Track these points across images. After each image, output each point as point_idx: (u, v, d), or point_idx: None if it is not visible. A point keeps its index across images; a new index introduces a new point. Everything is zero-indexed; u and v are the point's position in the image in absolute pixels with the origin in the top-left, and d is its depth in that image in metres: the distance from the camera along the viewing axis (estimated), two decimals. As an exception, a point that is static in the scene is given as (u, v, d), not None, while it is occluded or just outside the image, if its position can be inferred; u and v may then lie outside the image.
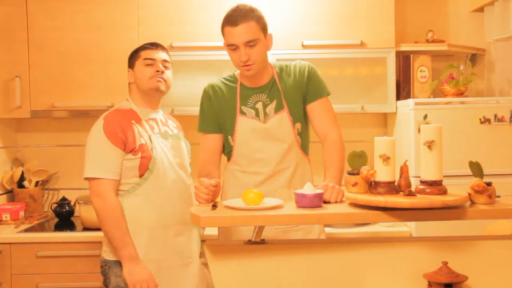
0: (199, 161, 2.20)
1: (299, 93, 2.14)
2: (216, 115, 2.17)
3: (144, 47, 2.23)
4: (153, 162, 2.10)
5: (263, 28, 2.05)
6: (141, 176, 2.10)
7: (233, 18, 2.00)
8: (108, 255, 2.14)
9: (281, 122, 2.11)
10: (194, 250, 2.19)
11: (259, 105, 2.13)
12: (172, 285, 2.13)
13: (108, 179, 2.05)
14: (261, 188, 2.00)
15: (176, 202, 2.15)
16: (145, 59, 2.19)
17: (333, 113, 2.17)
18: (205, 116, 2.19)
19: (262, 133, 2.11)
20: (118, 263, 2.09)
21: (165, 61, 2.22)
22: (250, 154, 2.13)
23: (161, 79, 2.18)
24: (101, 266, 2.18)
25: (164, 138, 2.18)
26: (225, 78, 2.22)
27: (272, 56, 2.97)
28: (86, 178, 2.09)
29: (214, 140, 2.19)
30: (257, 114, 2.12)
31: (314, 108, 2.14)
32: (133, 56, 2.25)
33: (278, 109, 2.12)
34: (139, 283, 2.01)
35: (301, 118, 2.16)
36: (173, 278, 2.14)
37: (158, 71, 2.18)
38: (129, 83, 2.26)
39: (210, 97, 2.18)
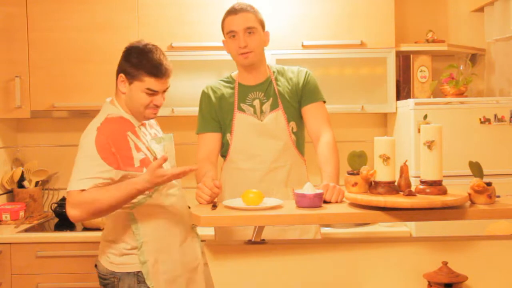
0: (196, 160, 2.19)
1: (294, 96, 2.18)
2: (216, 114, 2.20)
3: (151, 72, 1.90)
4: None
5: (261, 22, 2.15)
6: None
7: (234, 9, 2.13)
8: (115, 267, 1.98)
9: (277, 120, 2.15)
10: (198, 252, 2.15)
11: (257, 102, 2.17)
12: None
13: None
14: (258, 187, 1.98)
15: (184, 208, 2.09)
16: (148, 89, 1.92)
17: (327, 116, 2.20)
18: (204, 116, 2.22)
19: (259, 130, 2.15)
20: (131, 275, 1.96)
21: (166, 90, 1.99)
22: (247, 149, 2.16)
23: (156, 112, 2.00)
24: (103, 279, 2.01)
25: (158, 143, 2.07)
26: (222, 80, 2.27)
27: (272, 56, 2.97)
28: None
29: (212, 139, 2.20)
30: (254, 111, 2.17)
31: (308, 110, 2.18)
32: (135, 69, 1.94)
33: (273, 107, 2.17)
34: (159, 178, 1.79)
35: (296, 118, 2.19)
36: (186, 285, 2.08)
37: (156, 104, 1.96)
38: (119, 89, 2.01)
39: (209, 96, 2.21)
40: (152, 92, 1.93)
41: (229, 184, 2.17)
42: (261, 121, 2.15)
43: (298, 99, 2.18)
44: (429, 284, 1.58)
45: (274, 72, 2.23)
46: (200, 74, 3.01)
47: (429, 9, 3.34)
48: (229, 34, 2.12)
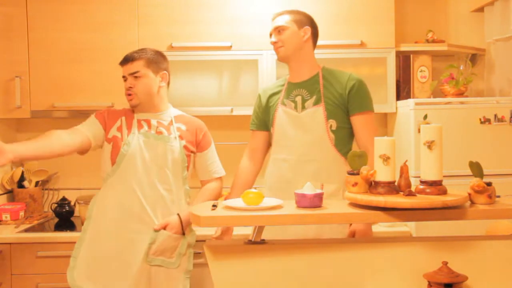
0: (240, 162, 2.42)
1: (339, 97, 2.23)
2: (262, 113, 2.38)
3: (120, 63, 2.30)
4: (120, 156, 2.20)
5: (297, 21, 2.28)
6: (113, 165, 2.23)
7: (275, 13, 2.33)
8: None
9: (315, 115, 2.23)
10: (140, 252, 2.17)
11: (298, 99, 2.27)
12: (110, 278, 2.17)
13: (82, 130, 2.24)
14: (287, 177, 2.21)
15: (136, 200, 2.18)
16: (122, 76, 2.30)
17: (371, 130, 2.22)
18: (254, 114, 2.44)
19: (294, 122, 2.25)
20: None
21: (133, 73, 2.25)
22: (281, 140, 2.29)
23: (130, 96, 2.26)
24: None
25: (145, 137, 2.24)
26: (277, 81, 2.45)
27: (272, 56, 2.97)
28: None
29: (258, 136, 2.41)
30: (295, 106, 2.27)
31: (354, 122, 2.25)
32: None
33: (315, 103, 2.24)
34: None
35: (337, 117, 2.22)
36: (115, 272, 2.17)
37: (127, 88, 2.27)
38: None
39: (260, 96, 2.42)
40: (124, 78, 2.28)
41: (268, 173, 2.33)
42: (299, 113, 2.24)
43: (343, 102, 2.22)
44: (429, 284, 1.58)
45: (323, 72, 2.30)
46: (200, 74, 3.01)
47: (429, 9, 3.34)
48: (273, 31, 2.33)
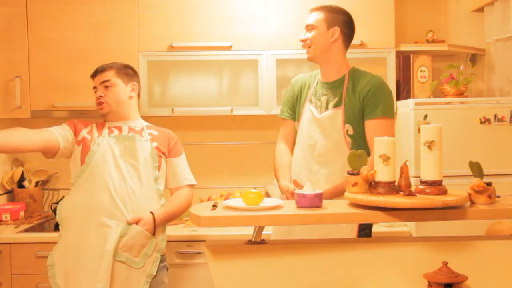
0: (276, 147, 2.41)
1: (356, 102, 2.20)
2: (293, 103, 2.38)
3: (92, 76, 2.35)
4: (90, 155, 2.20)
5: (328, 20, 2.24)
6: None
7: (311, 7, 2.31)
8: None
9: (333, 118, 2.22)
10: (109, 245, 2.12)
11: (324, 99, 2.27)
12: (88, 273, 2.11)
13: (51, 130, 2.26)
14: (304, 175, 2.20)
15: (107, 195, 2.15)
16: (93, 87, 2.35)
17: (379, 135, 2.11)
18: (284, 102, 2.44)
19: (314, 122, 2.26)
20: None
21: (103, 82, 2.30)
22: (303, 138, 2.30)
23: (100, 104, 2.30)
24: None
25: (117, 140, 2.25)
26: (312, 72, 2.41)
27: (272, 56, 2.98)
28: None
29: (287, 124, 2.41)
30: (320, 105, 2.27)
31: (365, 127, 2.21)
32: None
33: (336, 105, 2.23)
34: None
35: (354, 122, 2.20)
36: (90, 267, 2.12)
37: (97, 98, 2.31)
38: None
39: (293, 86, 2.41)
40: (95, 89, 2.34)
41: (292, 169, 2.33)
42: (319, 114, 2.25)
43: (360, 108, 2.20)
44: (429, 284, 1.58)
45: (350, 74, 2.26)
46: (200, 74, 3.01)
47: (429, 9, 3.34)
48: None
